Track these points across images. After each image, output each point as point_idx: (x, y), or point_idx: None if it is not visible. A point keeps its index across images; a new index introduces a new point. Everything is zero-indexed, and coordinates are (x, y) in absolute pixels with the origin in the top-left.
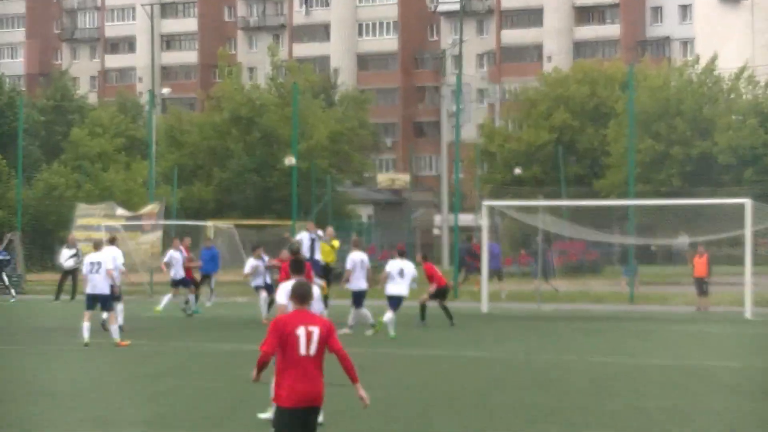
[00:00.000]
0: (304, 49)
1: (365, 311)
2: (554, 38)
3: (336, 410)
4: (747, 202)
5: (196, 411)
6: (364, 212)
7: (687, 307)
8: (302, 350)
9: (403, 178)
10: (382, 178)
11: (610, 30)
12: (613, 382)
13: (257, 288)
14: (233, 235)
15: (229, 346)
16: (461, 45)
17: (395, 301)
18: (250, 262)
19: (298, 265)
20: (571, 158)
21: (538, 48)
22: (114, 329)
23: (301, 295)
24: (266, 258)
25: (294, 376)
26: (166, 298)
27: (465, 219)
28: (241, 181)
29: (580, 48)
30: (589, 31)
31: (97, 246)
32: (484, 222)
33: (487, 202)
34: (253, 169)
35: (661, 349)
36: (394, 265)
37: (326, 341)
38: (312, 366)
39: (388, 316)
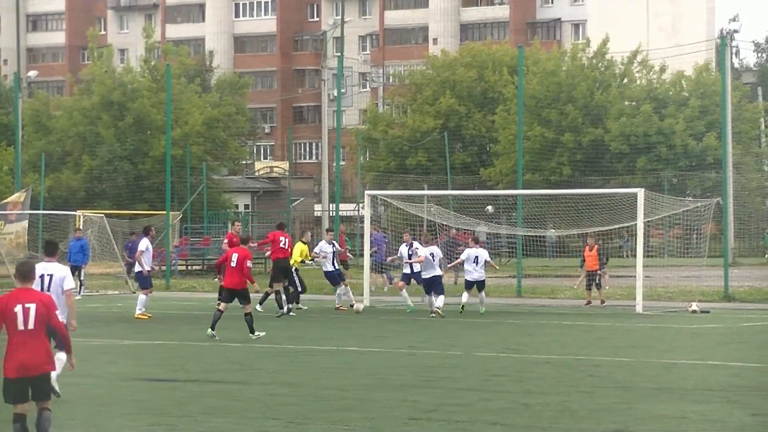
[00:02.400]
0: (177, 30)
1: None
2: (440, 20)
3: (211, 406)
4: (640, 191)
5: (62, 410)
6: (241, 201)
7: (577, 300)
8: (20, 325)
9: (281, 166)
10: (260, 166)
11: (499, 11)
12: (499, 378)
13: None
14: (104, 225)
15: (99, 341)
16: (343, 26)
17: (471, 285)
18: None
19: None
20: (457, 145)
21: (423, 30)
22: None
23: (22, 274)
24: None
25: (15, 349)
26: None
27: (347, 208)
28: (111, 168)
29: (467, 30)
30: (476, 13)
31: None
32: (366, 212)
33: (369, 192)
34: (125, 156)
35: (550, 344)
36: (470, 252)
37: (46, 317)
38: (32, 339)
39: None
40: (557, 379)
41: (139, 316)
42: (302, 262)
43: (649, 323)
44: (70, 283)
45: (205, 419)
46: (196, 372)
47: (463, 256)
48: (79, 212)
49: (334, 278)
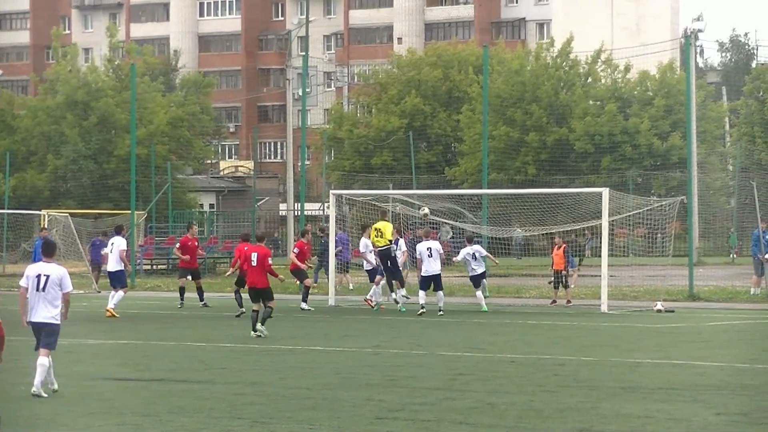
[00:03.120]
0: (142, 30)
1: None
2: (405, 19)
3: (176, 406)
4: (605, 190)
5: (28, 409)
6: (206, 201)
7: (542, 300)
8: None
9: (246, 165)
10: (225, 165)
11: (463, 11)
12: (464, 377)
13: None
14: (69, 224)
15: (65, 341)
16: (308, 25)
17: (427, 282)
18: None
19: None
20: (422, 145)
21: (388, 29)
22: None
23: None
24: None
25: None
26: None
27: (312, 208)
28: (76, 168)
29: (432, 29)
30: (441, 12)
31: None
32: (331, 211)
33: (334, 191)
34: (90, 155)
35: (515, 344)
36: (420, 247)
37: None
38: None
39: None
40: (522, 378)
41: (111, 311)
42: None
43: (614, 322)
44: (68, 285)
45: (171, 418)
46: (162, 371)
47: (417, 254)
48: (44, 212)
49: (374, 274)
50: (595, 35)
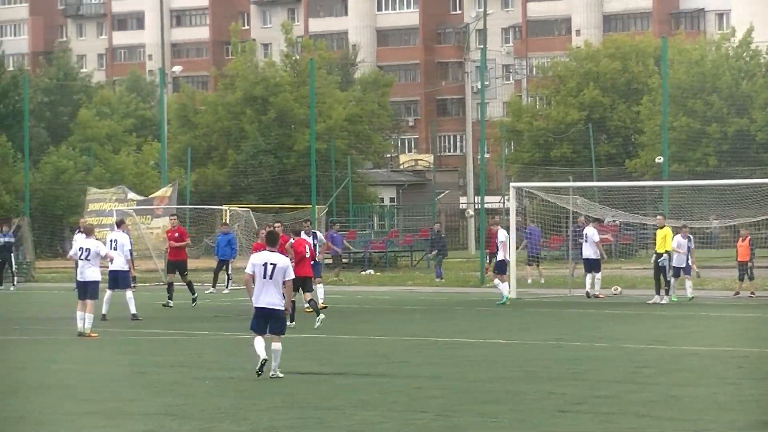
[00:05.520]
0: (320, 24)
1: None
2: (583, 11)
3: (358, 399)
4: None
5: (211, 402)
6: (386, 194)
7: (726, 291)
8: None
9: (426, 159)
10: (404, 159)
11: (642, 2)
12: (646, 370)
13: None
14: (250, 219)
15: (246, 335)
16: (485, 18)
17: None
18: None
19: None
20: (602, 137)
21: (566, 21)
22: (89, 318)
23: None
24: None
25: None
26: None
27: (492, 201)
28: (256, 163)
29: (610, 21)
30: (619, 4)
31: (88, 232)
32: (511, 204)
33: (514, 183)
34: (269, 150)
35: (696, 336)
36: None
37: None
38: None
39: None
40: (705, 370)
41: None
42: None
43: None
44: (291, 273)
45: (353, 412)
46: (343, 365)
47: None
48: (225, 206)
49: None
50: None
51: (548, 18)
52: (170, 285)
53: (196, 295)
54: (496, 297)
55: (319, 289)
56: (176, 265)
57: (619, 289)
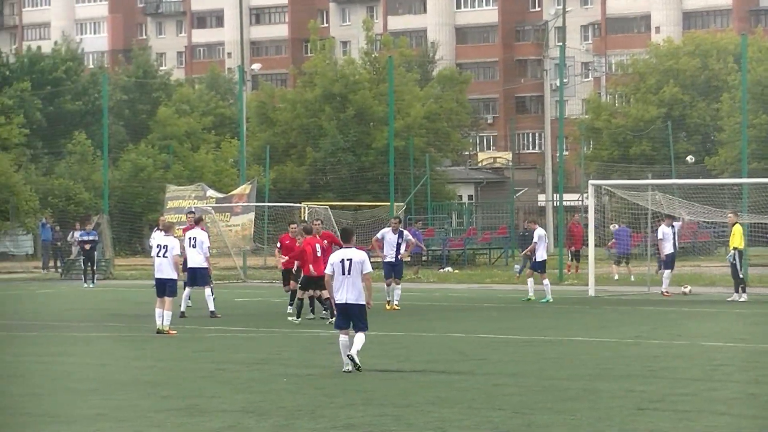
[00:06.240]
0: (399, 22)
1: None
2: (662, 8)
3: (436, 396)
4: None
5: (290, 400)
6: (465, 192)
7: None
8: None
9: (504, 156)
10: (483, 157)
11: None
12: (725, 367)
13: None
14: (329, 217)
15: (324, 332)
16: (564, 16)
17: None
18: None
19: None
20: (681, 134)
21: (645, 18)
22: (167, 315)
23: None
24: None
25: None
26: None
27: (570, 198)
28: (335, 160)
29: (690, 18)
30: (698, 1)
31: (166, 229)
32: (590, 202)
33: (593, 181)
34: (348, 148)
35: None
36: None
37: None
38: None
39: None
40: None
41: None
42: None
43: None
44: (368, 267)
45: (431, 409)
46: (421, 362)
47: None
48: (304, 204)
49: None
50: None
51: (627, 15)
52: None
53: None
54: (574, 295)
55: (396, 290)
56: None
57: (689, 288)
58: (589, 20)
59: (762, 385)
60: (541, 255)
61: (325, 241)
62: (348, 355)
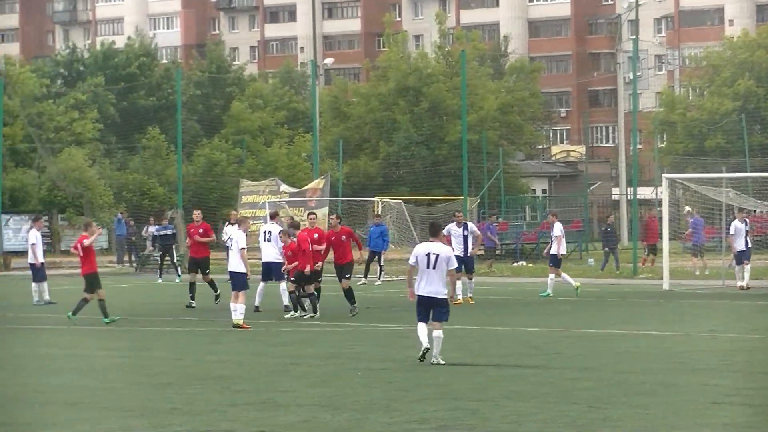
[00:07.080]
0: (472, 15)
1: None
2: (735, 1)
3: (511, 390)
4: None
5: (364, 394)
6: (538, 186)
7: None
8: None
9: (578, 150)
10: (556, 150)
11: None
12: None
13: None
14: (402, 211)
15: (398, 326)
16: (637, 9)
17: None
18: None
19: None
20: (755, 127)
21: (719, 11)
22: (240, 308)
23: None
24: None
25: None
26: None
27: (644, 192)
28: (408, 154)
29: (764, 10)
30: None
31: (239, 223)
32: (664, 195)
33: (667, 175)
34: (421, 141)
35: None
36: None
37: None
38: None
39: None
40: None
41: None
42: None
43: None
44: (454, 263)
45: (506, 403)
46: (496, 356)
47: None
48: (377, 198)
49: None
50: None
51: (701, 8)
52: (192, 284)
53: (218, 292)
54: (649, 288)
55: (461, 284)
56: (198, 262)
57: (746, 283)
58: (662, 13)
59: None
60: (559, 249)
61: (343, 237)
62: (432, 362)
